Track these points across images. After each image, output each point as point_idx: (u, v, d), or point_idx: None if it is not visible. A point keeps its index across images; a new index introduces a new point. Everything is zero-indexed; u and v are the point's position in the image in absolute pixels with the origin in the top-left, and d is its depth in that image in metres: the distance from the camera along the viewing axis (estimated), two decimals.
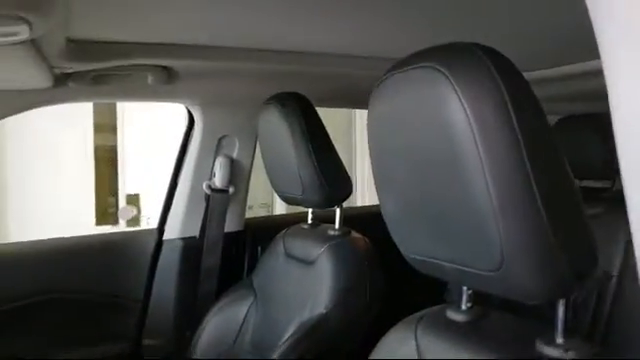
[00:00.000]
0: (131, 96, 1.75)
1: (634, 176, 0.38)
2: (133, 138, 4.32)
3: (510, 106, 0.59)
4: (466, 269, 0.67)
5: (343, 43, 1.28)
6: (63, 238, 1.70)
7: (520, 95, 0.60)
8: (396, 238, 0.78)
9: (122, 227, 3.90)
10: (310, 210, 1.51)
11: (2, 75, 1.18)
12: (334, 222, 1.43)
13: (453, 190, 0.63)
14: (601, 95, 0.41)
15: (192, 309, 1.69)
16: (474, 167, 0.59)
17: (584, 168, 1.73)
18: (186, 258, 1.73)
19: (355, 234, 1.40)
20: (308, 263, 1.37)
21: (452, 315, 0.81)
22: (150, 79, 1.37)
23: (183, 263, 1.73)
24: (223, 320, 1.54)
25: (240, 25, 1.12)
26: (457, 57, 0.62)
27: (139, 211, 3.56)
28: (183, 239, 1.76)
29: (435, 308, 0.86)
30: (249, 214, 1.91)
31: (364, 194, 3.97)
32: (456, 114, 0.59)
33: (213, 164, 1.77)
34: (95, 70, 1.27)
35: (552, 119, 1.88)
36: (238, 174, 1.80)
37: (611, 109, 0.38)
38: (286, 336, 1.26)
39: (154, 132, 4.09)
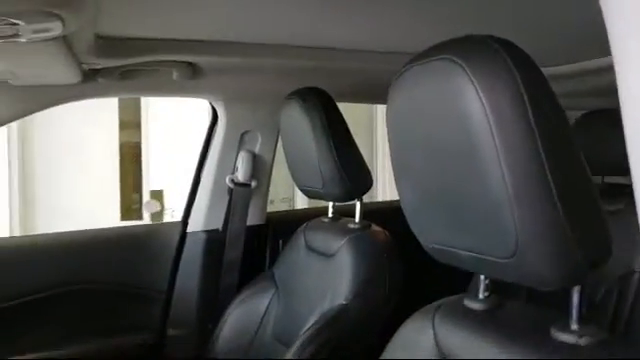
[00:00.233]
0: (157, 91, 1.80)
1: None
2: (157, 135, 4.39)
3: (526, 97, 0.60)
4: (482, 257, 0.68)
5: (363, 39, 1.30)
6: (90, 230, 1.76)
7: (536, 87, 0.62)
8: (415, 228, 0.79)
9: (146, 222, 3.97)
10: (330, 204, 1.53)
11: (34, 71, 1.22)
12: (354, 216, 1.45)
13: (470, 180, 0.65)
14: None
15: (214, 301, 1.73)
16: (490, 157, 0.61)
17: (607, 164, 1.72)
18: (209, 250, 1.77)
19: (375, 227, 1.42)
20: (328, 256, 1.40)
21: (470, 304, 0.83)
22: (175, 75, 1.41)
23: (206, 255, 1.77)
24: (245, 312, 1.57)
25: (263, 21, 1.14)
26: (474, 49, 0.63)
27: (162, 207, 3.62)
28: (206, 232, 1.79)
29: (453, 297, 0.87)
30: (270, 209, 1.94)
31: (385, 189, 3.98)
32: (473, 105, 0.61)
33: (236, 158, 1.80)
34: (122, 66, 1.31)
35: (575, 115, 1.87)
36: (260, 168, 1.83)
37: (620, 104, 0.39)
38: (306, 327, 1.28)
39: (178, 129, 4.15)
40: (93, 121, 4.08)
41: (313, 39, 1.29)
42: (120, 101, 4.31)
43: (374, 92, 1.50)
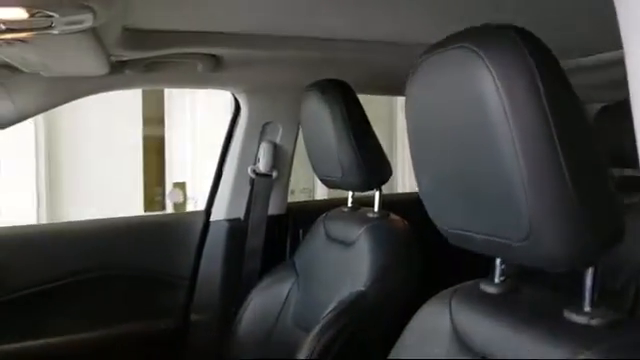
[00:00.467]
0: (181, 83, 1.84)
1: None
2: (180, 129, 4.45)
3: (540, 83, 0.62)
4: (497, 240, 0.70)
5: (383, 31, 1.32)
6: (116, 218, 1.81)
7: (550, 73, 0.63)
8: (432, 213, 0.81)
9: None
10: (350, 193, 1.56)
11: (65, 63, 1.27)
12: (373, 206, 1.47)
13: (485, 164, 0.67)
14: None
15: (237, 287, 1.77)
16: (505, 141, 0.63)
17: (626, 157, 1.71)
18: (231, 239, 1.81)
19: (393, 216, 1.44)
20: (348, 244, 1.42)
21: (486, 288, 0.84)
22: (199, 67, 1.44)
23: (228, 243, 1.81)
24: (266, 298, 1.61)
25: (285, 13, 1.17)
26: (490, 37, 0.65)
27: (185, 198, 3.68)
28: (229, 220, 1.83)
29: (469, 282, 0.89)
30: (291, 199, 1.97)
31: (404, 182, 3.98)
32: (488, 91, 0.63)
33: (257, 149, 1.84)
34: (148, 58, 1.35)
35: (596, 107, 1.86)
36: (281, 159, 1.86)
37: (631, 98, 0.40)
38: (326, 313, 1.31)
39: (200, 124, 4.21)
40: (117, 115, 4.15)
41: (334, 31, 1.31)
42: (144, 96, 4.37)
43: (394, 84, 1.52)
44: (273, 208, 1.86)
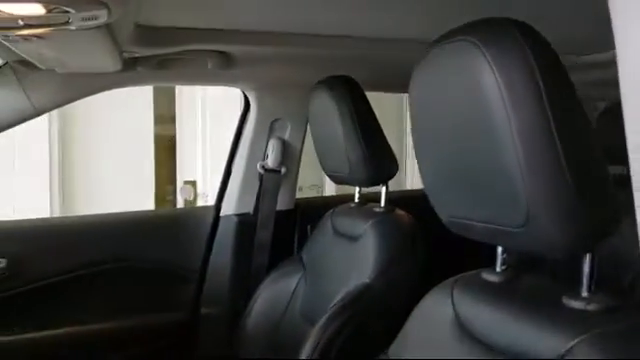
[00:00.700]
0: (192, 80, 1.87)
1: None
2: (191, 128, 4.49)
3: (538, 74, 0.64)
4: (496, 227, 0.72)
5: (391, 27, 1.33)
6: (130, 212, 1.85)
7: (548, 65, 0.65)
8: (434, 202, 0.83)
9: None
10: (357, 189, 1.58)
11: (79, 59, 1.30)
12: (380, 202, 1.49)
13: (484, 153, 0.69)
14: None
15: (246, 281, 1.80)
16: (503, 131, 0.65)
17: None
18: (241, 233, 1.84)
19: (399, 211, 1.46)
20: (354, 238, 1.44)
21: (487, 276, 0.86)
22: (210, 64, 1.47)
23: (238, 238, 1.84)
24: (275, 291, 1.64)
25: (294, 11, 1.19)
26: (490, 30, 0.68)
27: (196, 196, 3.72)
28: (238, 215, 1.86)
29: (471, 272, 0.91)
30: (299, 195, 2.00)
31: (413, 180, 3.99)
32: (488, 82, 0.65)
33: (266, 145, 1.87)
34: (160, 55, 1.38)
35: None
36: (289, 155, 1.89)
37: (622, 98, 0.41)
38: (332, 304, 1.33)
39: (210, 123, 4.24)
40: (130, 115, 4.20)
41: (342, 28, 1.33)
42: (155, 95, 4.41)
43: (402, 81, 1.54)
44: (281, 203, 1.88)
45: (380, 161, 1.44)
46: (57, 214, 3.82)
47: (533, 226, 0.66)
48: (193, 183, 4.16)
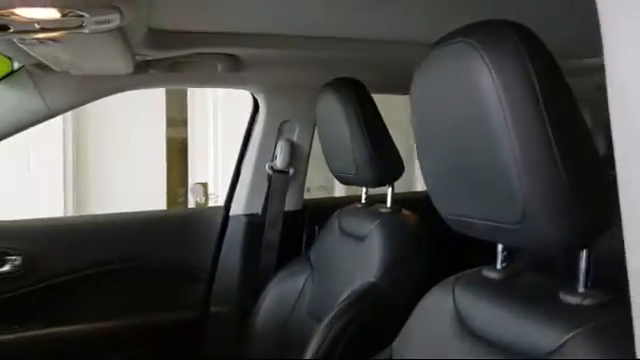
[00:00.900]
0: (202, 82, 1.91)
1: (629, 172, 0.39)
2: (202, 130, 4.53)
3: (534, 75, 0.66)
4: (495, 224, 0.74)
5: (397, 31, 1.35)
6: (141, 212, 1.89)
7: (544, 66, 0.67)
8: (435, 201, 0.85)
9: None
10: (364, 190, 1.60)
11: (93, 62, 1.34)
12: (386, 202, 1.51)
13: (482, 152, 0.71)
14: None
15: (254, 280, 1.82)
16: (500, 130, 0.67)
17: None
18: (249, 233, 1.87)
19: (405, 211, 1.48)
20: (360, 238, 1.46)
21: (488, 274, 0.88)
22: (219, 67, 1.50)
23: (247, 237, 1.87)
24: (282, 290, 1.66)
25: (302, 15, 1.22)
26: (487, 32, 0.70)
27: (207, 197, 3.76)
28: (247, 215, 1.89)
29: (472, 269, 0.93)
30: (307, 196, 2.02)
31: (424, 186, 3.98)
32: (485, 83, 0.67)
33: (275, 147, 1.89)
34: (171, 58, 1.41)
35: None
36: (298, 157, 1.92)
37: (609, 104, 0.42)
38: (337, 303, 1.36)
39: (221, 127, 4.28)
40: (142, 118, 4.25)
41: (349, 31, 1.36)
42: (167, 99, 4.46)
43: (407, 83, 1.56)
44: (289, 204, 1.91)
45: (386, 162, 1.46)
46: (70, 214, 3.88)
47: (529, 222, 0.68)
48: (204, 185, 4.20)
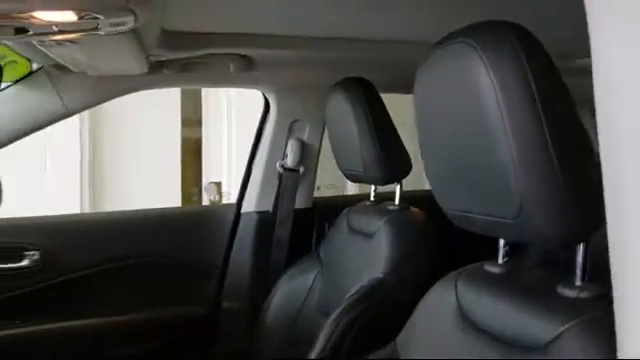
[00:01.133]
0: (214, 82, 1.94)
1: (614, 174, 0.40)
2: (216, 130, 4.57)
3: (530, 75, 0.68)
4: (494, 219, 0.76)
5: (405, 31, 1.37)
6: (155, 209, 1.93)
7: (540, 67, 0.69)
8: (437, 196, 0.88)
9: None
10: (372, 188, 1.63)
11: (109, 62, 1.38)
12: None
13: (481, 149, 0.73)
14: None
15: (265, 276, 1.85)
16: (497, 128, 0.69)
17: None
18: (260, 230, 1.90)
19: (413, 209, 1.50)
20: (369, 235, 1.49)
21: (489, 268, 0.90)
22: (231, 67, 1.53)
23: (258, 234, 1.90)
24: (292, 286, 1.69)
25: (313, 15, 1.24)
26: (486, 32, 0.72)
27: (221, 196, 3.80)
28: (258, 213, 1.92)
29: (474, 264, 0.95)
30: (317, 194, 2.05)
31: None
32: (483, 82, 0.69)
33: (285, 145, 1.92)
34: (184, 58, 1.44)
35: None
36: (308, 155, 1.94)
37: (596, 105, 0.42)
38: (345, 298, 1.38)
39: (235, 127, 4.32)
40: (158, 118, 4.30)
41: (358, 32, 1.38)
42: (182, 99, 4.51)
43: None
44: (300, 202, 1.94)
45: (394, 160, 1.48)
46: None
47: (526, 217, 0.70)
48: (218, 184, 4.25)
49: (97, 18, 0.90)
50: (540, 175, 0.68)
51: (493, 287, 0.86)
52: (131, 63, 1.34)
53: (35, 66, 1.49)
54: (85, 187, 4.11)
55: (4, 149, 1.50)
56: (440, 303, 0.94)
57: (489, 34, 0.72)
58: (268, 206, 1.93)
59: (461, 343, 0.87)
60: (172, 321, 1.82)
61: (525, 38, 0.71)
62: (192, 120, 4.73)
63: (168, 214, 1.97)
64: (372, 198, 1.64)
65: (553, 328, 0.71)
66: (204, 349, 1.84)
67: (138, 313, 1.77)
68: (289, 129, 1.92)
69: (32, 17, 0.89)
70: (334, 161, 1.65)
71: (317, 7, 1.18)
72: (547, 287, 0.79)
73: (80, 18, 0.90)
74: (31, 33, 0.97)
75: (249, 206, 1.94)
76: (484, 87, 0.69)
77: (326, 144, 1.82)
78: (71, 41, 1.06)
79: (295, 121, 1.93)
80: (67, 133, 3.74)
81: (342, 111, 1.49)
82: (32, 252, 1.66)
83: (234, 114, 4.25)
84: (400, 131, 1.52)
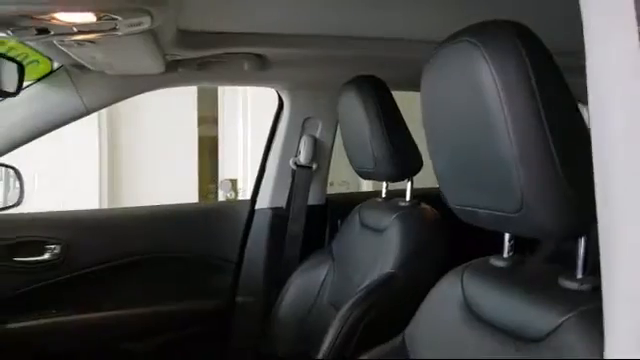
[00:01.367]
0: (229, 81, 1.97)
1: (607, 175, 0.42)
2: (232, 128, 4.61)
3: (532, 73, 0.70)
4: (496, 213, 0.78)
5: (418, 30, 1.39)
6: (172, 205, 1.97)
7: (541, 65, 0.71)
8: (444, 192, 0.90)
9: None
10: (384, 184, 1.65)
11: (126, 62, 1.42)
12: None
13: (484, 145, 0.75)
14: None
15: (278, 271, 1.89)
16: (500, 124, 0.71)
17: None
18: (274, 226, 1.93)
19: (423, 205, 1.52)
20: (380, 231, 1.51)
21: (495, 262, 0.92)
22: (246, 65, 1.56)
23: (271, 230, 1.93)
24: (305, 281, 1.73)
25: (326, 15, 1.27)
26: (489, 32, 0.74)
27: (236, 194, 3.84)
28: (272, 209, 1.95)
29: (480, 258, 0.97)
30: (330, 190, 2.07)
31: None
32: (486, 80, 0.71)
33: (299, 143, 1.95)
34: (200, 57, 1.48)
35: None
36: (321, 152, 1.97)
37: (589, 104, 0.44)
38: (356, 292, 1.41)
39: (251, 125, 4.36)
40: (175, 117, 4.36)
41: (370, 31, 1.40)
42: (199, 98, 4.56)
43: None
44: (313, 198, 1.96)
45: (405, 157, 1.50)
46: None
47: (527, 211, 0.72)
48: (234, 181, 4.29)
49: (115, 19, 0.93)
50: (541, 170, 0.70)
51: (498, 280, 0.88)
52: (148, 62, 1.38)
53: (56, 65, 1.53)
54: (104, 185, 4.18)
55: (25, 147, 1.54)
56: (446, 296, 0.96)
57: (492, 33, 0.74)
58: (282, 202, 1.96)
59: (467, 335, 0.89)
60: (188, 315, 1.86)
61: (527, 37, 0.72)
62: (208, 119, 4.78)
63: (184, 210, 2.01)
64: (384, 195, 1.66)
65: (554, 319, 0.73)
66: (219, 342, 1.88)
67: (155, 306, 1.81)
68: (302, 126, 1.95)
69: (53, 18, 0.93)
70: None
71: (329, 7, 1.21)
72: (549, 280, 0.81)
73: (99, 19, 0.94)
74: (52, 33, 1.01)
75: (263, 202, 1.97)
76: (487, 85, 0.71)
77: (339, 141, 1.85)
78: (90, 41, 1.10)
79: (308, 119, 1.95)
80: (86, 132, 3.80)
81: (354, 108, 1.51)
82: (53, 246, 1.71)
83: (249, 113, 4.29)
84: (412, 128, 1.54)
